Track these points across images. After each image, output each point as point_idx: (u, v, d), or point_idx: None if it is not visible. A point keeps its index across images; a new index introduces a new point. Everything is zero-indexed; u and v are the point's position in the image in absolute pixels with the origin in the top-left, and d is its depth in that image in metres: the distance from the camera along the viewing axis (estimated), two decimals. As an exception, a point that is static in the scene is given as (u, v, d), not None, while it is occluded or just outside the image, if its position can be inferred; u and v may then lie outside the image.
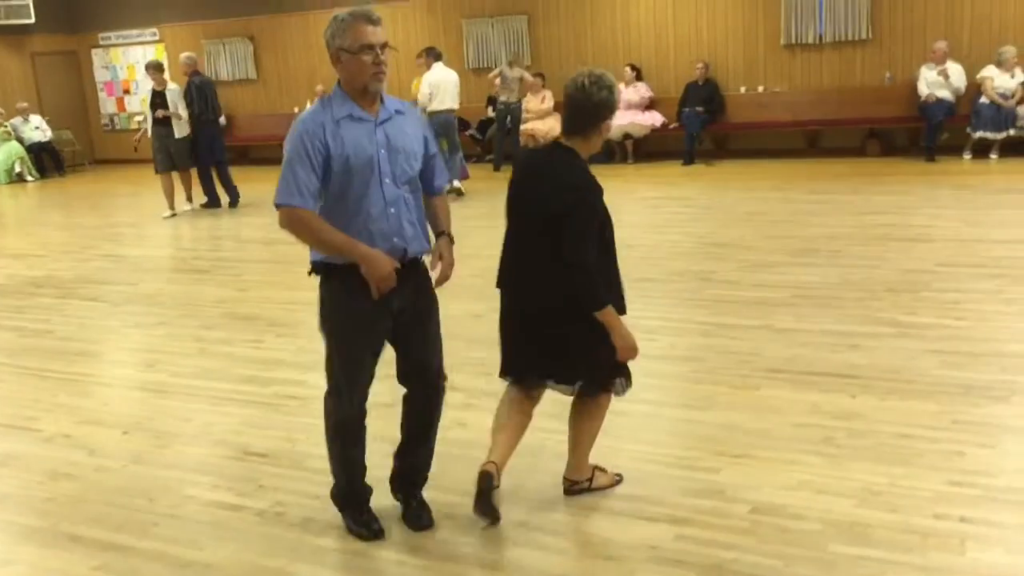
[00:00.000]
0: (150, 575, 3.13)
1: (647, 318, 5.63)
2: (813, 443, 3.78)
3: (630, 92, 13.02)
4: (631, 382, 3.44)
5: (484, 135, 13.88)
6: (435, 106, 11.03)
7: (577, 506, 3.39)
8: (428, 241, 3.18)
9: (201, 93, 11.12)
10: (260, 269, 7.91)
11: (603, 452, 3.82)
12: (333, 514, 3.44)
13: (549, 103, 13.45)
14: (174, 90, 10.98)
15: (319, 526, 3.37)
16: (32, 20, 16.40)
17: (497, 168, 13.10)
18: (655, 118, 12.94)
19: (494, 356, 5.16)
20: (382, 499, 3.43)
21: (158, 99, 10.89)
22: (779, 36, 12.59)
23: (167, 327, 6.23)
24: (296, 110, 15.43)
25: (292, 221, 2.98)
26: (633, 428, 4.06)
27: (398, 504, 3.43)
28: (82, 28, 17.40)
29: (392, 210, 3.01)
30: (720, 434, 3.93)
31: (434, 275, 3.23)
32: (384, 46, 2.96)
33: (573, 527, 3.25)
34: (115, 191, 12.42)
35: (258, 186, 13.21)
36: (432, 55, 11.34)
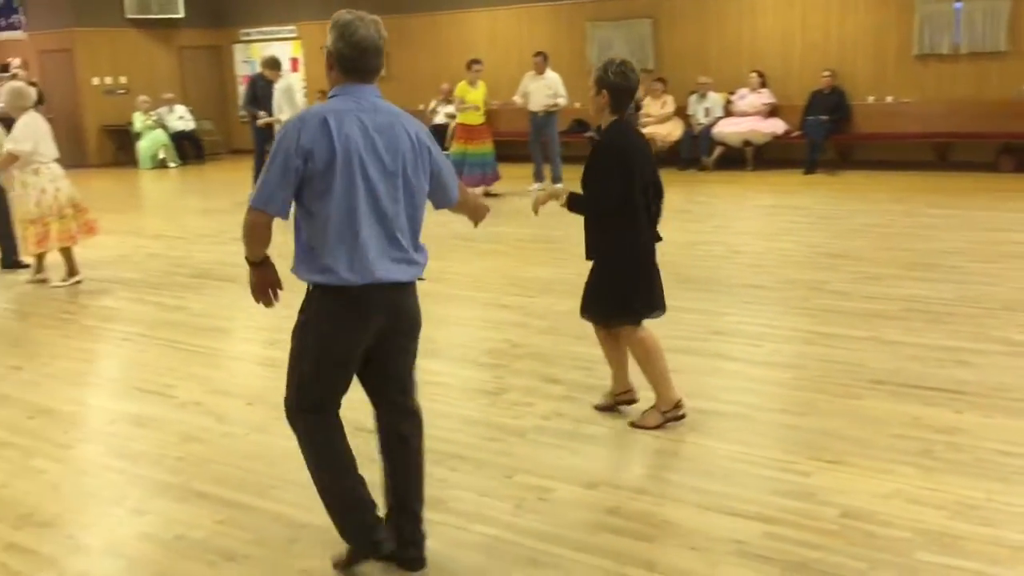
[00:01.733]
0: (268, 532, 3.41)
1: (752, 324, 5.67)
2: (910, 455, 3.79)
3: (753, 98, 12.91)
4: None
5: (603, 137, 13.99)
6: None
7: (667, 498, 3.50)
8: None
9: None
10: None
11: (695, 449, 3.93)
12: (438, 490, 3.66)
13: (670, 107, 13.47)
14: (280, 89, 10.85)
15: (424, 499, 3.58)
16: (182, 15, 17.38)
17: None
18: (777, 125, 12.79)
19: (596, 352, 5.30)
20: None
21: None
22: (911, 46, 12.25)
23: (292, 310, 6.56)
24: (421, 107, 15.88)
25: None
26: (727, 428, 4.15)
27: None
28: (226, 23, 18.32)
29: None
30: (816, 439, 3.98)
31: None
32: None
33: (661, 516, 3.36)
34: (249, 180, 13.04)
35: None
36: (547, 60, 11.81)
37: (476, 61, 11.61)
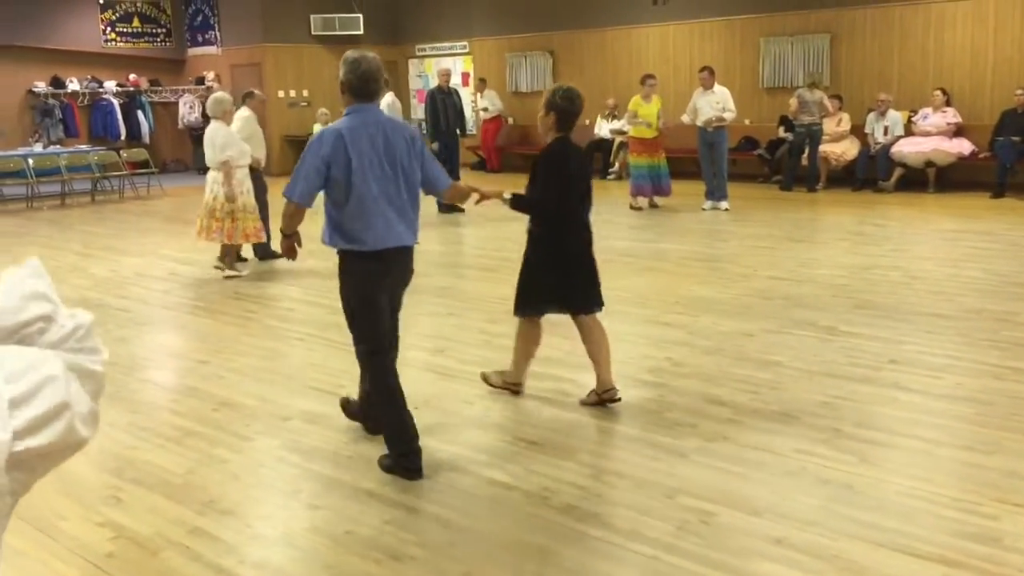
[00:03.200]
0: (430, 535, 3.48)
1: (933, 355, 5.38)
2: (1112, 505, 3.49)
3: (937, 117, 12.28)
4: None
5: (773, 155, 13.64)
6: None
7: (837, 531, 3.36)
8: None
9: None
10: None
11: (868, 482, 3.75)
12: (595, 505, 3.65)
13: (846, 126, 12.99)
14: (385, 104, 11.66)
15: (581, 513, 3.58)
16: (361, 31, 18.17)
17: (787, 188, 12.84)
18: (963, 146, 12.10)
19: (761, 375, 5.17)
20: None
21: None
22: (1120, 61, 11.35)
23: (457, 318, 6.75)
24: (587, 122, 15.94)
25: None
26: (903, 463, 3.94)
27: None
28: (403, 40, 19.00)
29: None
30: (1004, 481, 3.72)
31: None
32: None
33: (832, 551, 3.22)
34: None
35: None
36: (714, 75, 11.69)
37: (650, 76, 11.59)
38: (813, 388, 4.89)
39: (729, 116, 11.41)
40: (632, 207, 11.55)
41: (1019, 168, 11.76)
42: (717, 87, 11.48)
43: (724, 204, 11.35)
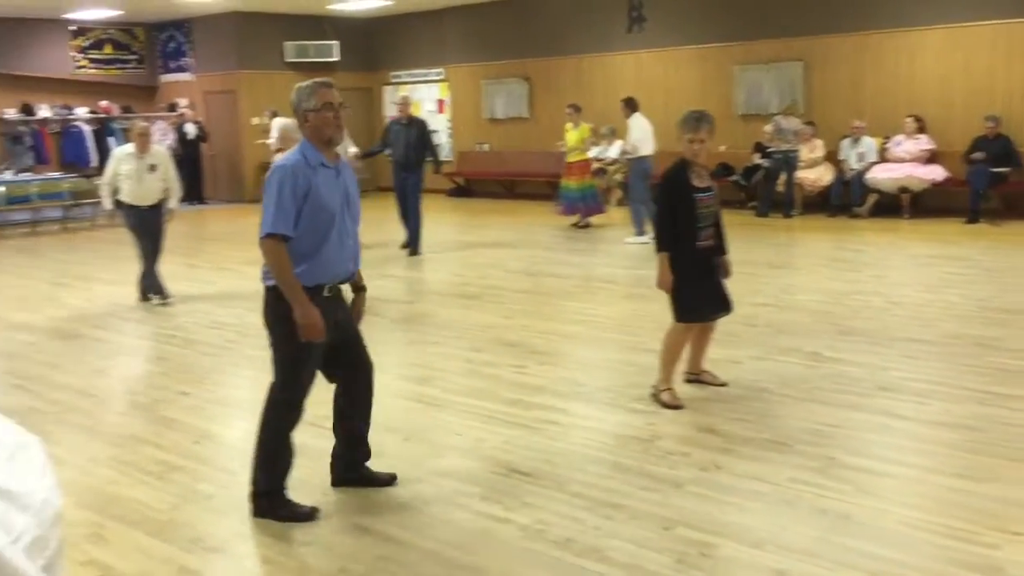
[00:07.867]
0: (422, 568, 3.41)
1: (917, 380, 5.39)
2: (1108, 532, 3.49)
3: (910, 144, 12.43)
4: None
5: (749, 181, 13.74)
6: (644, 151, 11.55)
7: (837, 563, 3.33)
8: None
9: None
10: (523, 299, 8.28)
11: (866, 512, 3.73)
12: (593, 538, 3.59)
13: (819, 152, 13.12)
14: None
15: (579, 547, 3.52)
16: (337, 58, 18.14)
17: (763, 215, 12.94)
18: (936, 172, 12.25)
19: (751, 404, 5.12)
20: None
21: None
22: (1087, 89, 11.56)
23: (439, 346, 6.69)
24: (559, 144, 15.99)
25: (272, 248, 3.63)
26: (899, 491, 3.93)
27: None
28: (378, 66, 19.01)
29: (350, 241, 3.85)
30: (1001, 509, 3.71)
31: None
32: (340, 104, 3.71)
33: (834, 583, 3.20)
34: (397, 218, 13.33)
35: (523, 218, 13.79)
36: (632, 106, 11.78)
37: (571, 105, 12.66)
38: (803, 415, 4.88)
39: (634, 145, 11.57)
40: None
41: (992, 194, 11.92)
42: (639, 116, 11.65)
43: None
